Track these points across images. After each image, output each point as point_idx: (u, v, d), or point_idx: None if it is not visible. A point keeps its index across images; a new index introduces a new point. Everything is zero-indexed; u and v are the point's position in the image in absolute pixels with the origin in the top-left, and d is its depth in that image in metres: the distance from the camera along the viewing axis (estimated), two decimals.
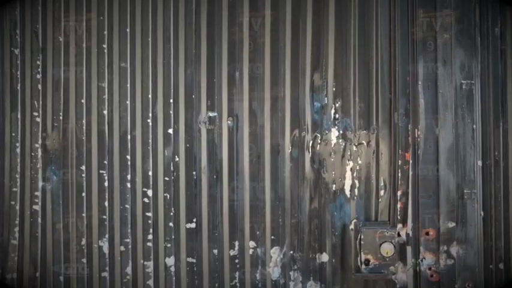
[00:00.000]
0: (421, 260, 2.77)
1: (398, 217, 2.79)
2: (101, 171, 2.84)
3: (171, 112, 2.84)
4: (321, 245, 2.83)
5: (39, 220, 2.85)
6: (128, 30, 2.85)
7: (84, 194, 2.84)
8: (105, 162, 2.84)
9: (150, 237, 2.83)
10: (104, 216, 2.83)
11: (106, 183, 2.84)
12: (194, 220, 2.83)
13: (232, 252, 2.83)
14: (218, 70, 2.83)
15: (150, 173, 2.83)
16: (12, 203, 2.87)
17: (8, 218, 2.87)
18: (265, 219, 2.82)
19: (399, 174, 2.78)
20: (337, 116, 2.81)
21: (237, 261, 2.83)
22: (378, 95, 2.80)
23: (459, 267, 2.75)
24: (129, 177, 2.83)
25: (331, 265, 2.82)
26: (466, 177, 2.74)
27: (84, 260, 2.83)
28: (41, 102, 2.88)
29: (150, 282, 2.83)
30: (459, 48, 2.74)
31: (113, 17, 2.86)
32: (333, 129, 2.81)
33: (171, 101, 2.84)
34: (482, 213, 2.78)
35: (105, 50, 2.86)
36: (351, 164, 2.82)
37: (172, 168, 2.83)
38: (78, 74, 2.86)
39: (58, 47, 2.88)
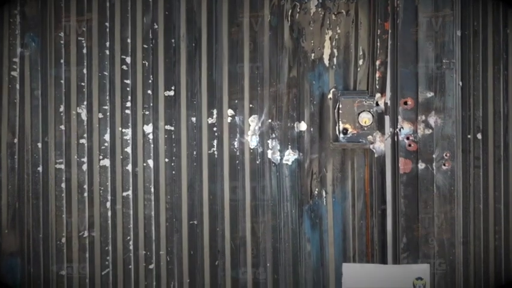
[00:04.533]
0: (399, 130, 2.77)
1: (377, 86, 2.79)
2: (79, 38, 2.82)
3: None
4: (299, 114, 2.83)
5: (18, 86, 2.83)
6: None
7: (62, 61, 2.83)
8: (84, 29, 2.82)
9: (128, 104, 2.83)
10: (83, 83, 2.83)
11: (84, 50, 2.82)
12: (173, 88, 2.83)
13: (210, 120, 2.83)
14: None
15: (129, 40, 2.82)
16: None
17: None
18: (243, 87, 2.82)
19: (378, 44, 2.78)
20: None
21: (215, 129, 2.83)
22: None
23: (437, 137, 2.75)
24: (107, 44, 2.82)
25: (309, 134, 2.83)
26: (445, 47, 2.74)
27: (62, 127, 2.83)
28: None
29: (128, 149, 2.83)
30: None
31: None
32: None
33: None
34: (460, 83, 2.78)
35: None
36: (330, 33, 2.81)
37: (151, 35, 2.82)
38: None
39: None
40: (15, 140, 2.83)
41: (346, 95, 2.78)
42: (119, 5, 2.81)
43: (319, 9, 2.79)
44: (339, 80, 2.81)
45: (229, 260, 2.83)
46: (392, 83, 2.77)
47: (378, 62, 2.78)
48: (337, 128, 2.77)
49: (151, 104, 2.82)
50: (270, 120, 2.82)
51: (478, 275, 2.81)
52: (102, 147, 2.83)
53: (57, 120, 2.83)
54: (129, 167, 2.82)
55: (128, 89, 2.82)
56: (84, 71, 2.82)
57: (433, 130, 2.75)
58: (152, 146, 2.83)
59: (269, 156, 2.82)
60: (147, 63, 2.82)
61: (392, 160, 2.79)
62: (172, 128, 2.83)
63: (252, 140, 2.82)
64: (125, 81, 2.82)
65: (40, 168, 2.83)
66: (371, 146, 2.79)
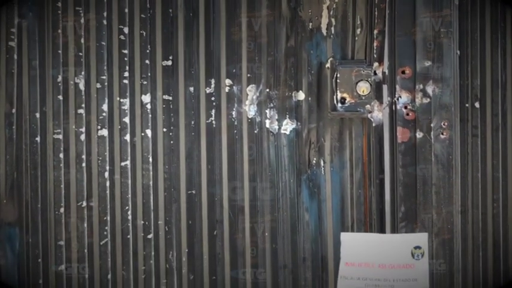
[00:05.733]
0: (397, 99, 2.77)
1: (375, 56, 2.79)
2: (77, 8, 2.82)
3: None
4: (297, 83, 2.83)
5: (15, 56, 2.83)
6: None
7: (59, 31, 2.82)
8: None
9: (126, 74, 2.82)
10: (80, 53, 2.82)
11: (82, 20, 2.82)
12: (170, 58, 2.82)
13: (208, 90, 2.83)
14: None
15: (126, 10, 2.81)
16: None
17: None
18: (241, 57, 2.81)
19: (376, 13, 2.77)
20: None
21: (213, 99, 2.83)
22: None
23: (435, 106, 2.75)
24: (105, 14, 2.81)
25: (307, 103, 2.83)
26: (442, 16, 2.73)
27: (60, 97, 2.83)
28: None
29: (126, 119, 2.83)
30: None
31: None
32: None
33: None
34: (458, 51, 2.78)
35: None
36: (328, 2, 2.80)
37: (148, 5, 2.81)
38: None
39: None
40: (13, 110, 2.83)
41: (344, 65, 2.78)
42: None
43: None
44: (337, 50, 2.81)
45: (227, 230, 2.83)
46: (390, 52, 2.77)
47: (375, 31, 2.78)
48: (335, 97, 2.77)
49: (149, 74, 2.82)
50: (267, 90, 2.82)
51: (476, 243, 2.81)
52: (100, 117, 2.83)
53: (55, 91, 2.83)
54: (127, 137, 2.82)
55: (126, 59, 2.82)
56: (82, 41, 2.82)
57: (431, 99, 2.75)
58: (150, 115, 2.83)
59: (267, 125, 2.82)
60: (144, 33, 2.82)
61: (390, 129, 2.78)
62: (170, 98, 2.82)
63: (250, 110, 2.82)
64: (123, 51, 2.82)
65: (38, 139, 2.83)
66: (369, 115, 2.79)
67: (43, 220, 2.84)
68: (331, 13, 2.80)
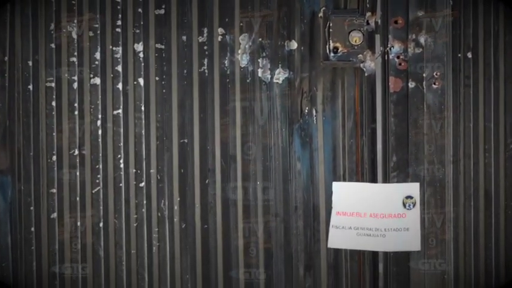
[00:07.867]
0: (390, 49, 2.77)
1: (368, 5, 2.79)
2: None
3: None
4: (290, 33, 2.82)
5: (8, 6, 2.82)
6: None
7: None
8: None
9: (119, 23, 2.82)
10: (73, 1, 2.81)
11: None
12: (163, 6, 2.82)
13: (201, 39, 2.82)
14: None
15: None
16: None
17: None
18: (234, 5, 2.81)
19: None
20: None
21: (205, 48, 2.83)
22: None
23: (427, 56, 2.75)
24: None
25: (300, 53, 2.83)
26: None
27: (53, 45, 2.82)
28: None
29: (119, 67, 2.82)
30: None
31: None
32: None
33: None
34: (451, 1, 2.78)
35: None
36: None
37: None
38: None
39: None
40: (6, 58, 2.83)
41: (337, 14, 2.77)
42: None
43: None
44: None
45: (219, 179, 2.83)
46: (382, 1, 2.77)
47: None
48: (327, 46, 2.77)
49: (141, 23, 2.82)
50: (260, 39, 2.82)
51: (467, 192, 2.81)
52: (93, 66, 2.82)
53: (48, 39, 2.82)
54: (120, 86, 2.82)
55: (119, 7, 2.82)
56: None
57: (424, 49, 2.76)
58: (143, 64, 2.82)
59: (259, 74, 2.82)
60: None
61: (383, 79, 2.79)
62: (163, 47, 2.82)
63: (243, 59, 2.82)
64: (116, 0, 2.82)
65: (30, 87, 2.83)
66: (361, 65, 2.79)
67: (35, 168, 2.84)
68: None
